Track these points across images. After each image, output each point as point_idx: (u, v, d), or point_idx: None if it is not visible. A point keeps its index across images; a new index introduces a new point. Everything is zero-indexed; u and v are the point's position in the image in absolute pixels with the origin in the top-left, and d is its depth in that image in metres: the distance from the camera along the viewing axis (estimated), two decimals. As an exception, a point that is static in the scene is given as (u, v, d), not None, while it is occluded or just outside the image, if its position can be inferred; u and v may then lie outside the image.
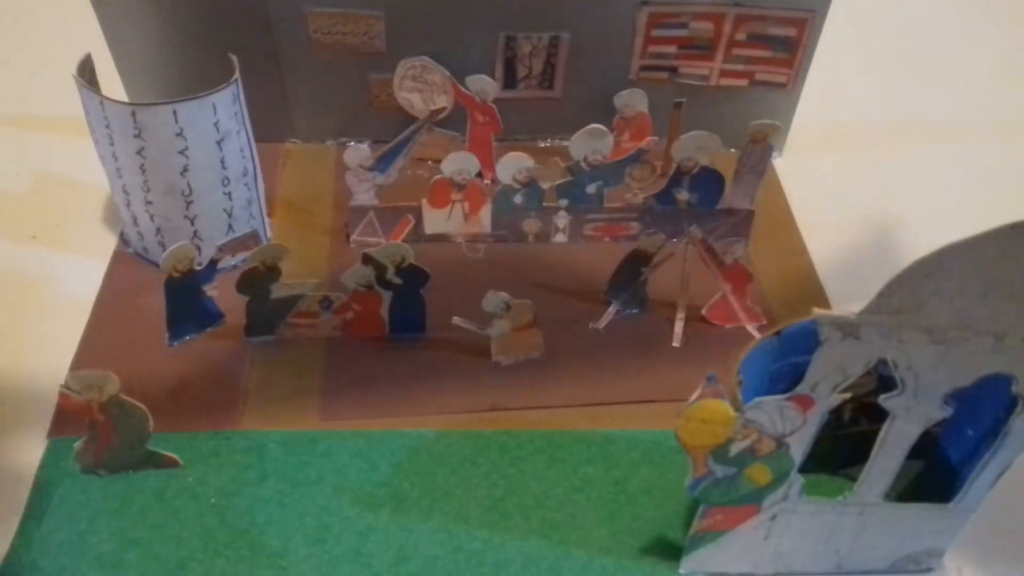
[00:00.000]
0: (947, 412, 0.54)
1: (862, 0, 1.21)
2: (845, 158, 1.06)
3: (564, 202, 0.90)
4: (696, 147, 0.84)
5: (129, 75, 0.95)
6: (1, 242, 0.90)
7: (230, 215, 0.85)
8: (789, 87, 0.98)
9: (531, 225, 0.92)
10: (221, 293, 0.80)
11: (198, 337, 0.81)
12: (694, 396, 0.54)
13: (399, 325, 0.81)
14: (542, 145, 1.03)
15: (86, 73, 0.78)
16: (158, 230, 0.84)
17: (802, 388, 0.53)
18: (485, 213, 0.90)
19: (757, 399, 0.54)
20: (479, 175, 0.89)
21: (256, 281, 0.76)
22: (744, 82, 0.98)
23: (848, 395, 0.54)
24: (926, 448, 0.60)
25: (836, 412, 0.58)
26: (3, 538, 0.66)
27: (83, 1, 0.88)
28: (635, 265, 0.83)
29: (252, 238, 0.80)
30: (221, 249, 0.79)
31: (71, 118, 0.84)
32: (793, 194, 1.00)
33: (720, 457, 0.56)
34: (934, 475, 0.65)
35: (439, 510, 0.69)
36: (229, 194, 0.84)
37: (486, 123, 0.95)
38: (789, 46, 0.95)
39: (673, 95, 0.94)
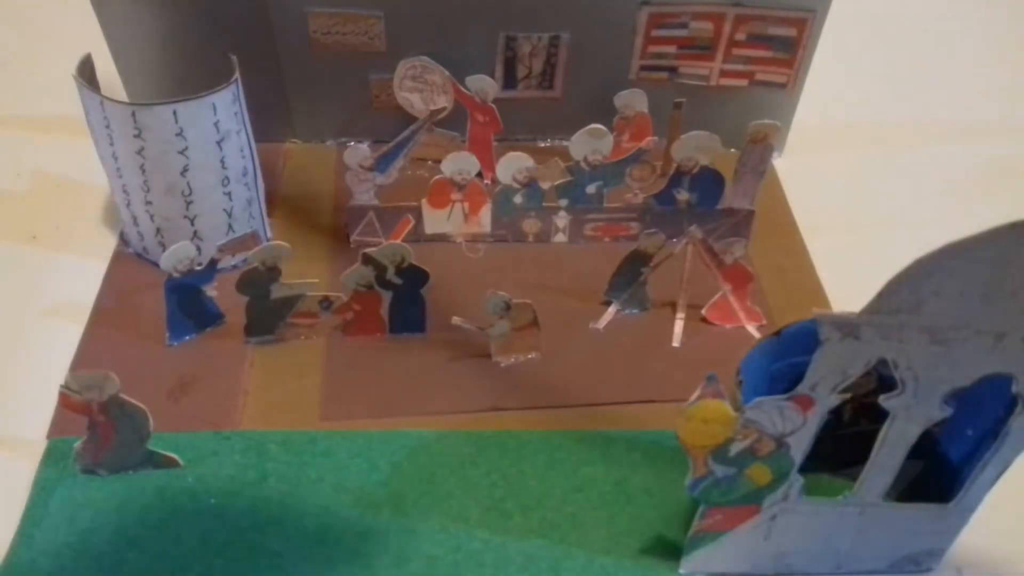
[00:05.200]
0: (947, 412, 0.54)
1: (862, 0, 1.21)
2: (845, 158, 1.06)
3: (564, 202, 0.90)
4: (696, 147, 0.84)
5: (129, 75, 0.95)
6: (1, 242, 0.90)
7: (230, 215, 0.85)
8: (789, 87, 0.98)
9: (531, 225, 0.92)
10: (221, 293, 0.80)
11: (198, 337, 0.81)
12: (694, 396, 0.54)
13: (399, 325, 0.81)
14: (542, 145, 1.03)
15: (86, 73, 0.78)
16: (158, 230, 0.84)
17: (802, 388, 0.53)
18: (485, 213, 0.90)
19: (757, 399, 0.54)
20: (479, 175, 0.89)
21: (256, 281, 0.77)
22: (744, 82, 0.98)
23: (848, 395, 0.54)
24: (926, 448, 0.60)
25: (836, 412, 0.58)
26: (3, 538, 0.66)
27: (83, 1, 0.88)
28: (635, 265, 0.83)
29: (252, 238, 0.81)
30: (221, 249, 0.79)
31: (71, 118, 0.84)
32: (793, 194, 1.00)
33: (720, 457, 0.56)
34: (934, 475, 0.65)
35: (439, 510, 0.69)
36: (229, 194, 0.84)
37: (486, 123, 0.95)
38: (789, 46, 0.95)
39: (673, 95, 0.94)
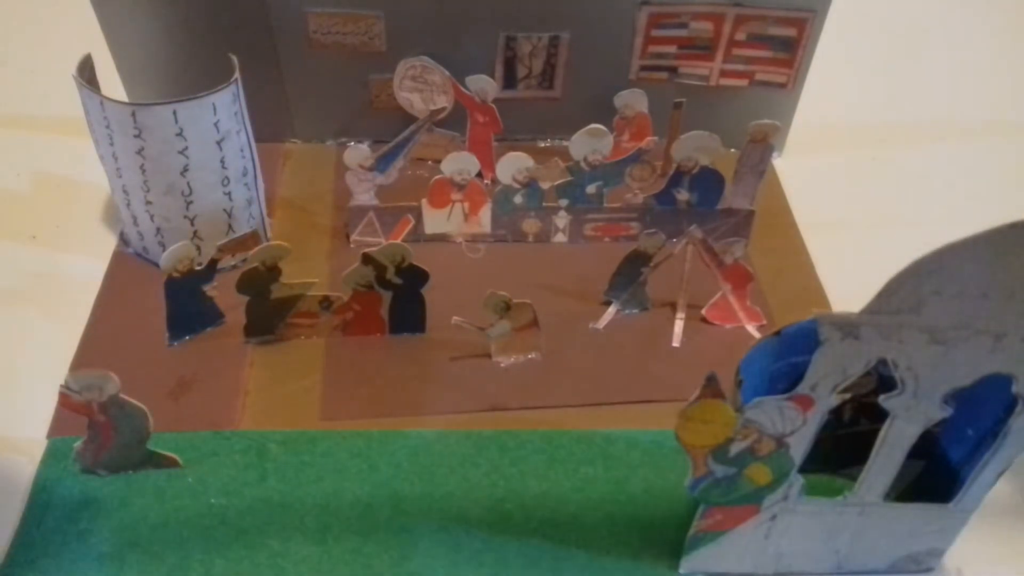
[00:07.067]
0: (947, 412, 0.54)
1: (862, 0, 1.21)
2: (845, 158, 1.06)
3: (564, 202, 0.90)
4: (696, 147, 0.84)
5: (129, 75, 0.95)
6: (1, 242, 0.90)
7: (230, 215, 0.85)
8: (789, 87, 0.98)
9: (531, 225, 0.92)
10: (221, 293, 0.80)
11: (198, 337, 0.81)
12: (694, 396, 0.54)
13: (399, 325, 0.81)
14: (542, 145, 1.03)
15: (86, 73, 0.78)
16: (158, 230, 0.84)
17: (802, 388, 0.53)
18: (485, 213, 0.90)
19: (757, 399, 0.54)
20: (479, 175, 0.89)
21: (256, 281, 0.76)
22: (744, 82, 0.98)
23: (848, 395, 0.54)
24: (926, 448, 0.60)
25: (836, 412, 0.58)
26: (3, 538, 0.66)
27: (83, 1, 0.88)
28: (635, 265, 0.83)
29: (252, 238, 0.80)
30: (221, 249, 0.79)
31: (71, 118, 0.84)
32: (793, 194, 1.00)
33: (720, 457, 0.56)
34: (934, 475, 0.65)
35: (439, 510, 0.69)
36: (229, 194, 0.84)
37: (486, 123, 0.95)
38: (789, 46, 0.95)
39: (673, 95, 0.94)
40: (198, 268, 0.77)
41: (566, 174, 0.88)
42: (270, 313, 0.79)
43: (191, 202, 0.82)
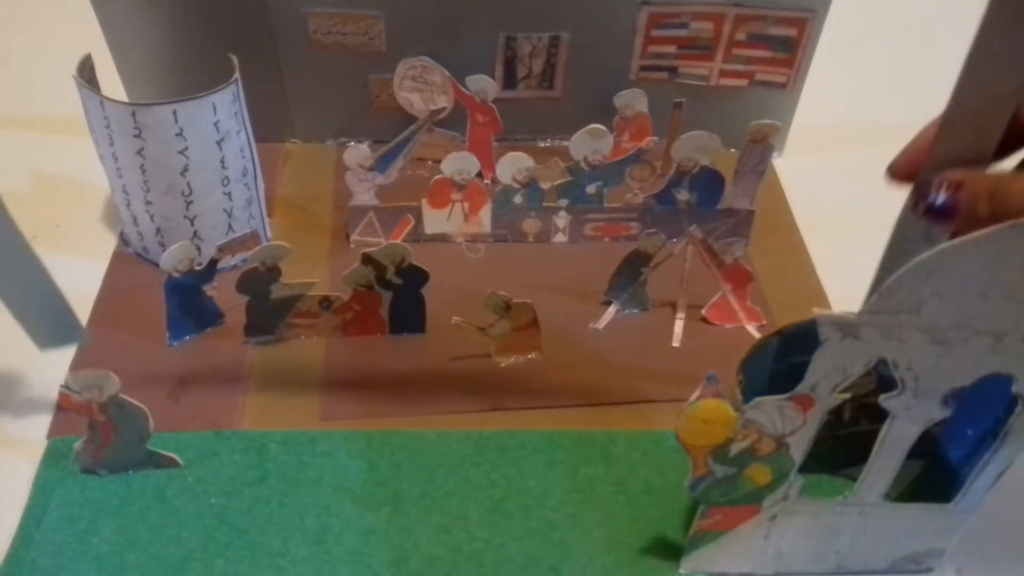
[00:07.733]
0: (947, 412, 0.54)
1: (862, 0, 1.21)
2: (845, 158, 1.06)
3: (564, 202, 0.90)
4: (696, 147, 0.84)
5: (129, 75, 0.95)
6: (1, 242, 0.90)
7: (230, 215, 0.85)
8: (789, 87, 0.98)
9: (531, 225, 0.92)
10: (221, 293, 0.80)
11: (198, 337, 0.81)
12: (694, 396, 0.54)
13: (399, 325, 0.81)
14: (542, 145, 1.03)
15: (86, 73, 0.78)
16: (158, 230, 0.84)
17: (802, 388, 0.53)
18: (485, 213, 0.90)
19: (757, 399, 0.54)
20: (479, 175, 0.89)
21: (256, 281, 0.77)
22: (744, 82, 0.98)
23: (848, 395, 0.54)
24: (926, 448, 0.60)
25: (836, 412, 0.58)
26: (3, 538, 0.66)
27: (83, 1, 0.88)
28: (635, 265, 0.83)
29: (252, 238, 0.81)
30: (221, 249, 0.79)
31: (71, 118, 0.84)
32: (793, 194, 1.00)
33: (720, 457, 0.56)
34: (934, 475, 0.65)
35: (439, 510, 0.69)
36: (229, 194, 0.84)
37: (486, 123, 0.95)
38: (789, 46, 0.95)
39: (673, 95, 0.94)
40: (198, 268, 0.77)
41: (566, 174, 0.88)
42: (270, 313, 0.79)
43: (191, 202, 0.82)
